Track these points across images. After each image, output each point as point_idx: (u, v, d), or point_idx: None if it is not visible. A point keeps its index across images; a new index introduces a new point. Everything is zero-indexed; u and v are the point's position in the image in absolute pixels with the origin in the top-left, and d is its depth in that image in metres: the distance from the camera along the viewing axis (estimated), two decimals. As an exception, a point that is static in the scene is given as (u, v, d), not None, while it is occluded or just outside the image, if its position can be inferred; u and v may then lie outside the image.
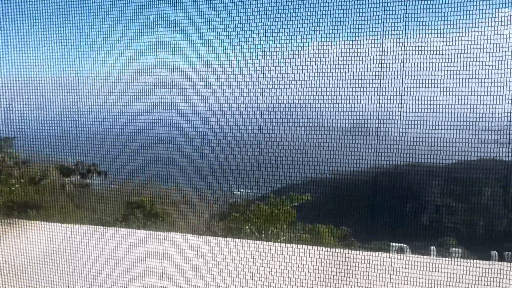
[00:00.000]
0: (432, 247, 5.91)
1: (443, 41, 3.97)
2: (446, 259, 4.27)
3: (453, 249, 5.59)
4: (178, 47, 5.02)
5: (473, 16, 3.89)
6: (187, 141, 5.33)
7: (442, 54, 3.96)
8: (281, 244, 5.42)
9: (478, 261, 3.96)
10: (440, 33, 4.05)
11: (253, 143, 4.97)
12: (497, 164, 4.90)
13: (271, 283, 4.30)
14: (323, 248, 4.49)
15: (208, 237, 5.43)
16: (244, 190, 6.10)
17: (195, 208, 5.65)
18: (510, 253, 5.32)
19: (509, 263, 3.98)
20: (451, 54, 3.89)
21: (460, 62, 3.90)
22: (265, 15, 4.61)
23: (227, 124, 5.03)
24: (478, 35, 3.84)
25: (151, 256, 5.02)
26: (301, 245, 4.88)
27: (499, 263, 4.05)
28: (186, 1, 5.01)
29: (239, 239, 6.04)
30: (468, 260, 3.97)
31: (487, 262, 3.97)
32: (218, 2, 4.83)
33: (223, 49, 4.87)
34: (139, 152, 5.58)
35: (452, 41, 3.94)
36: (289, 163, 4.99)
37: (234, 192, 6.24)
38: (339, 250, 4.44)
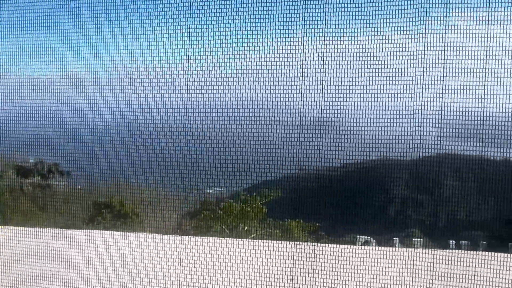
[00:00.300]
0: (395, 239, 6.25)
1: (384, 40, 4.24)
2: (409, 249, 4.54)
3: (415, 239, 5.95)
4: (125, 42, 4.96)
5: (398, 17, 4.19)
6: (158, 139, 5.29)
7: (396, 53, 4.23)
8: (252, 240, 5.52)
9: (437, 250, 4.24)
10: (380, 32, 4.32)
11: (225, 140, 5.02)
12: (455, 157, 5.23)
13: (240, 279, 4.39)
14: (293, 243, 4.63)
15: (179, 236, 5.42)
16: (216, 188, 6.13)
17: (166, 207, 5.62)
18: (465, 242, 5.74)
19: (464, 251, 4.29)
20: (405, 52, 4.17)
21: (413, 60, 4.18)
22: (188, 10, 4.68)
23: (199, 120, 5.05)
24: (422, 33, 4.13)
25: (121, 258, 4.96)
26: (271, 241, 4.99)
27: (456, 251, 4.37)
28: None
29: (210, 237, 6.07)
30: (428, 250, 4.24)
31: (446, 250, 4.27)
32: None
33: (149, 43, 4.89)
34: (109, 151, 5.47)
35: (396, 39, 4.22)
36: (260, 159, 5.08)
37: (207, 191, 6.26)
38: (308, 244, 4.60)
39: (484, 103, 4.14)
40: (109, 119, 5.24)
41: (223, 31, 4.68)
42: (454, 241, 5.85)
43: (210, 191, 6.39)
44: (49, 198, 6.71)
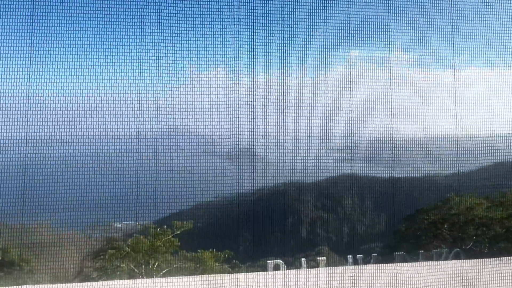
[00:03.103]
0: (302, 259, 6.74)
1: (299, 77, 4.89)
2: (314, 269, 4.96)
3: (319, 258, 6.53)
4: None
5: (330, 55, 4.95)
6: (52, 170, 4.96)
7: (306, 88, 4.88)
8: (163, 278, 5.41)
9: (336, 267, 4.72)
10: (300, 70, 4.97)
11: (135, 170, 4.95)
12: (354, 178, 5.94)
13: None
14: (204, 276, 4.71)
15: (78, 284, 5.01)
16: (125, 222, 5.93)
17: (65, 249, 5.24)
18: (361, 255, 6.49)
19: (360, 266, 4.84)
20: (315, 87, 4.85)
21: (322, 94, 4.87)
22: (103, 35, 4.78)
23: (100, 151, 4.92)
24: (330, 72, 4.85)
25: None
26: (184, 277, 4.98)
27: (353, 266, 4.90)
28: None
29: (116, 281, 5.77)
30: (330, 267, 4.69)
31: (344, 267, 4.76)
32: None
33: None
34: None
35: (311, 77, 4.90)
36: (171, 190, 5.11)
37: (115, 225, 6.01)
38: (219, 276, 4.72)
39: (371, 130, 4.94)
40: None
41: (130, 61, 4.74)
42: (351, 256, 6.55)
43: (119, 225, 6.15)
44: None
